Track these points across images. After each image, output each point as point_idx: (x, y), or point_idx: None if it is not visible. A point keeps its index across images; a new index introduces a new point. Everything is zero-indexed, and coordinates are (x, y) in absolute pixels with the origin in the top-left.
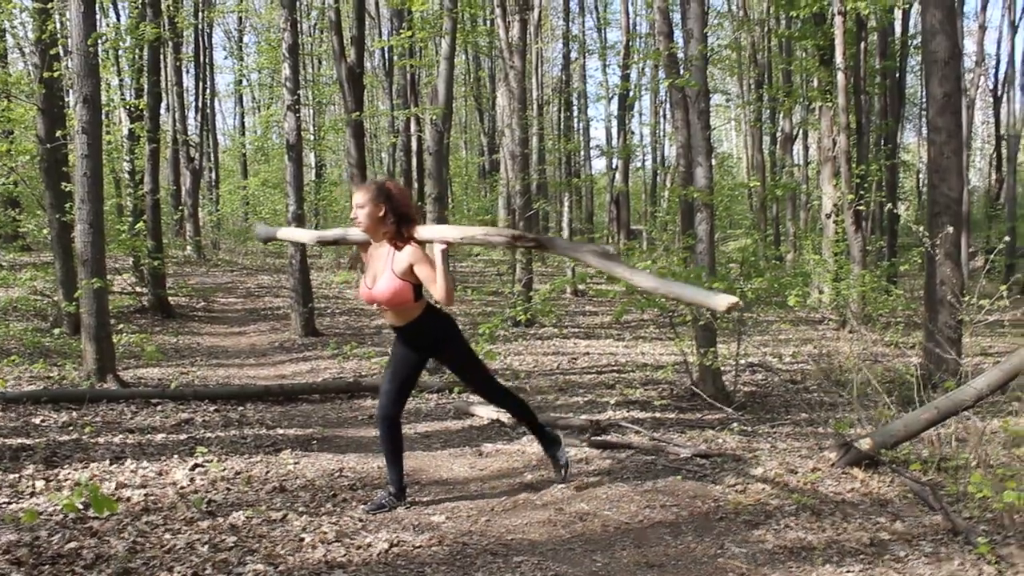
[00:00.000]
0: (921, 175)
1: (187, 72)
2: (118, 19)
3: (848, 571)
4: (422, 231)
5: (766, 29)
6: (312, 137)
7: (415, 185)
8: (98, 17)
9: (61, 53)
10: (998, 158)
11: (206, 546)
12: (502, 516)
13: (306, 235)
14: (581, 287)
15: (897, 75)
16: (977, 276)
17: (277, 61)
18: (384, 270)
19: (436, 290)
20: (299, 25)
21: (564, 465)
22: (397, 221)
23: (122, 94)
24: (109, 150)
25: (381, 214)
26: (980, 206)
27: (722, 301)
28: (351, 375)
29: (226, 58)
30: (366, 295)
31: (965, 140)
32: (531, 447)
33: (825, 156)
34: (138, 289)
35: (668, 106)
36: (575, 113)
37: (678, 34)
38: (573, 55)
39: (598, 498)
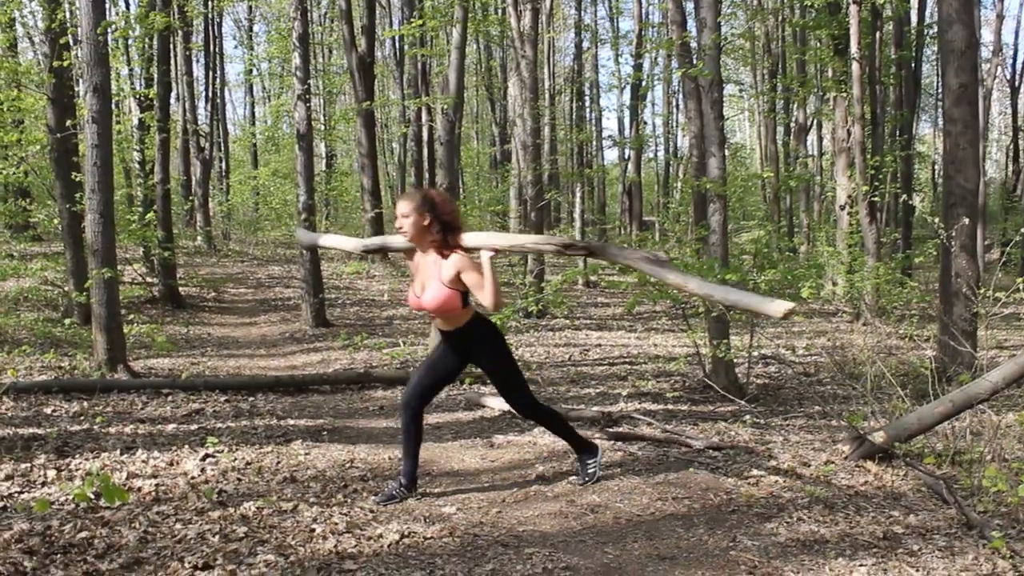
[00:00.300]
0: (937, 166)
1: (197, 62)
2: (128, 8)
3: (861, 565)
4: (468, 238)
5: (780, 18)
6: (322, 127)
7: (426, 175)
8: (108, 6)
9: (71, 42)
10: (1015, 149)
11: (217, 536)
12: (513, 508)
13: (350, 243)
14: (593, 278)
15: (913, 65)
16: (993, 269)
17: (287, 50)
18: (432, 279)
19: (484, 297)
20: (309, 14)
21: (591, 475)
22: (442, 230)
23: (132, 84)
24: (119, 140)
25: (426, 223)
26: (996, 198)
27: (779, 307)
28: (362, 366)
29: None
30: (415, 303)
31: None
32: (542, 439)
33: (839, 147)
34: (148, 279)
35: (681, 96)
36: (587, 103)
37: (691, 23)
38: (585, 44)
39: (610, 490)
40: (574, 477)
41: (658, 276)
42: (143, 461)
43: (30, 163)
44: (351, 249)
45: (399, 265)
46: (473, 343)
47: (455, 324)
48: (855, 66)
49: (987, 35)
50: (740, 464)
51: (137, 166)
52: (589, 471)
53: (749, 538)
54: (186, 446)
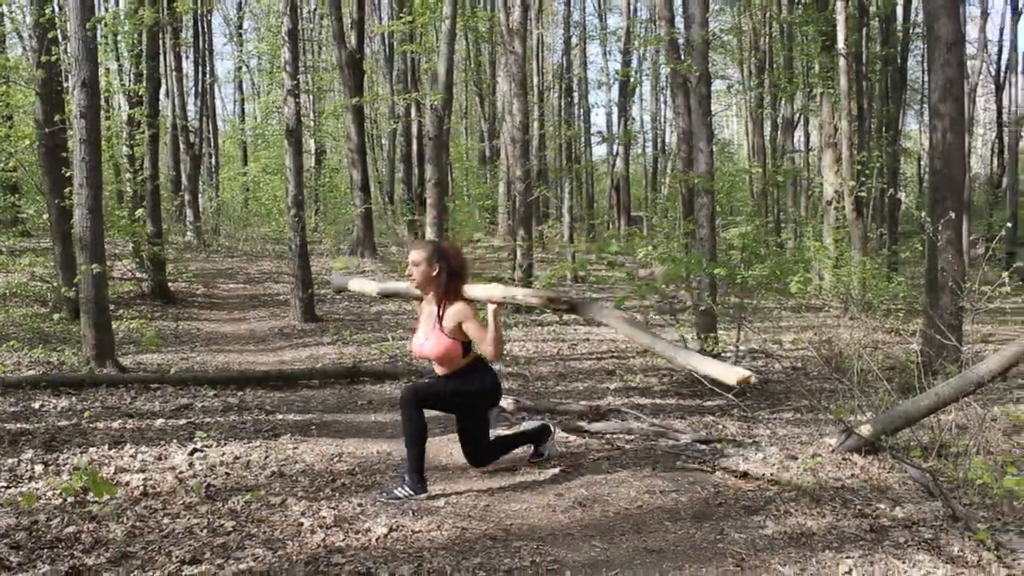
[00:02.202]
0: (923, 162)
1: (186, 58)
2: (117, 3)
3: (847, 557)
4: (470, 290)
5: (768, 14)
6: (312, 123)
7: (415, 170)
8: (96, 1)
9: (59, 37)
10: (1000, 145)
11: (205, 530)
12: (501, 501)
13: (372, 286)
14: (582, 273)
15: (899, 61)
16: (978, 263)
17: (276, 47)
18: (434, 328)
19: (486, 347)
20: (299, 10)
21: (541, 454)
22: (448, 281)
23: (121, 79)
24: (108, 135)
25: (435, 273)
26: (982, 193)
27: (735, 375)
28: (351, 360)
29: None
30: (419, 352)
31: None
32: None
33: (826, 142)
34: (138, 275)
35: (669, 92)
36: (576, 99)
37: (679, 20)
38: (574, 40)
39: (598, 483)
40: (548, 463)
41: (632, 336)
42: (131, 456)
43: (19, 158)
44: (370, 292)
45: (389, 262)
46: (464, 381)
47: (453, 369)
48: (842, 62)
49: (972, 32)
50: (728, 457)
51: (126, 162)
52: (543, 453)
53: (736, 531)
54: (174, 441)
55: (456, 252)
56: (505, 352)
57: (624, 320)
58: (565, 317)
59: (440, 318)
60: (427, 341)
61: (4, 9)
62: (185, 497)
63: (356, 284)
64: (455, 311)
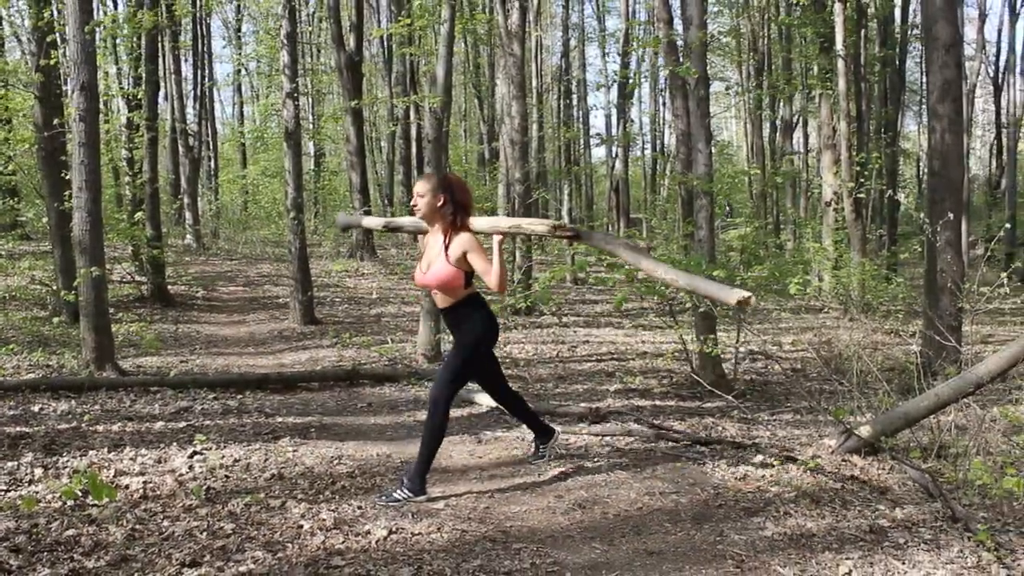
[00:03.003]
0: (921, 163)
1: (185, 61)
2: (116, 7)
3: (847, 558)
4: (476, 222)
5: (766, 16)
6: (311, 126)
7: (414, 173)
8: (95, 5)
9: (58, 41)
10: (998, 146)
11: (204, 533)
12: (501, 503)
13: (377, 221)
14: (581, 275)
15: (897, 62)
16: (977, 264)
17: (275, 50)
18: (438, 257)
19: (491, 279)
20: (297, 13)
21: (541, 455)
22: (454, 211)
23: (120, 83)
24: (107, 139)
25: (440, 204)
26: (980, 194)
27: (735, 295)
28: (350, 363)
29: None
30: (419, 280)
31: (965, 127)
32: (530, 435)
33: (825, 143)
34: (137, 278)
35: (668, 94)
36: (575, 101)
37: (678, 21)
38: (572, 43)
39: (597, 485)
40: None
41: (634, 262)
42: (131, 459)
43: (18, 162)
44: (376, 226)
45: (388, 263)
46: (463, 321)
47: (452, 301)
48: (840, 63)
49: (970, 33)
50: (727, 459)
51: (125, 165)
52: (541, 453)
53: (736, 532)
54: (174, 443)
55: (460, 183)
56: (505, 352)
57: (626, 246)
58: (565, 319)
59: (446, 247)
60: (430, 270)
61: (3, 12)
62: (185, 500)
63: (361, 221)
64: (461, 241)
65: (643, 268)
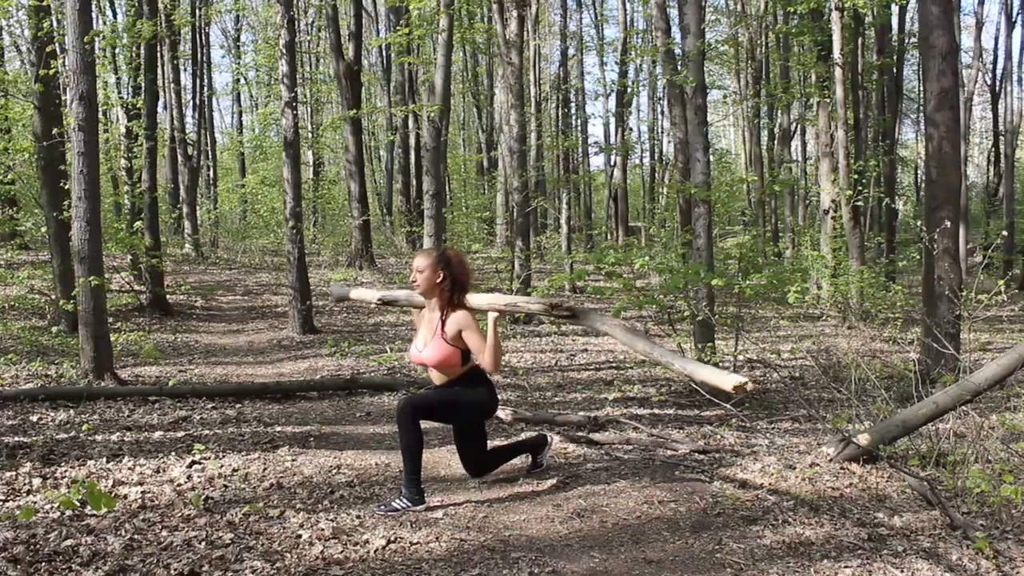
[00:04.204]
0: (919, 170)
1: (184, 70)
2: (115, 17)
3: (846, 566)
4: (473, 299)
5: (764, 24)
6: (310, 135)
7: (413, 181)
8: (94, 15)
9: (58, 51)
10: (996, 154)
11: (203, 543)
12: (500, 512)
13: (372, 294)
14: (579, 284)
15: (895, 71)
16: (975, 272)
17: (274, 59)
18: (434, 335)
19: (485, 359)
20: (296, 23)
21: (540, 464)
22: (452, 288)
23: (119, 92)
24: (107, 148)
25: (439, 280)
26: (978, 202)
27: (730, 381)
28: (349, 372)
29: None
30: (416, 358)
31: (963, 135)
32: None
33: (823, 151)
34: (136, 287)
35: (666, 102)
36: (573, 110)
37: (675, 30)
38: (571, 51)
39: (596, 494)
40: (553, 478)
41: (630, 344)
42: (129, 468)
43: (17, 171)
44: (371, 300)
45: (386, 272)
46: (461, 395)
47: (448, 379)
48: (838, 71)
49: (967, 41)
50: (726, 467)
51: (124, 174)
52: (540, 462)
53: (735, 541)
54: (173, 453)
55: (460, 260)
56: (504, 361)
57: (623, 328)
58: (563, 328)
59: (442, 324)
60: (426, 347)
61: (3, 23)
62: (183, 509)
63: (356, 293)
64: (457, 319)
65: (639, 351)
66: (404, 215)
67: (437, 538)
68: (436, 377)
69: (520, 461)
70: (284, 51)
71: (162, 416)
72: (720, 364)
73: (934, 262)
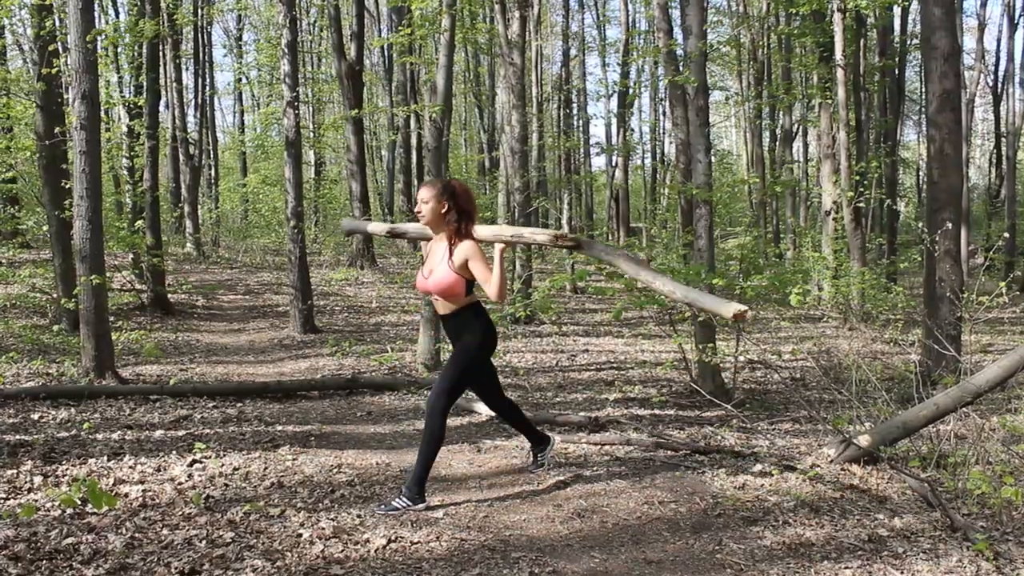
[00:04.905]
0: (921, 172)
1: (186, 69)
2: (117, 16)
3: (846, 567)
4: (479, 230)
5: (765, 26)
6: (311, 134)
7: (415, 182)
8: (97, 14)
9: (60, 50)
10: (998, 155)
11: (204, 542)
12: (500, 512)
13: (381, 227)
14: (581, 284)
15: (896, 72)
16: (977, 273)
17: (276, 58)
18: (440, 263)
19: (491, 288)
20: (298, 22)
21: (540, 463)
22: (458, 218)
23: (121, 91)
24: (108, 147)
25: (444, 210)
26: (980, 203)
27: (731, 308)
28: (350, 372)
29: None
30: (421, 285)
31: (965, 137)
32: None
33: (824, 152)
34: (137, 286)
35: (668, 103)
36: (575, 110)
37: (677, 31)
38: (572, 52)
39: (596, 494)
40: (553, 478)
41: (633, 273)
42: (130, 467)
43: (19, 170)
44: (380, 232)
45: (388, 272)
46: (463, 329)
47: (453, 308)
48: (840, 73)
49: (969, 43)
50: (726, 468)
51: (126, 173)
52: (540, 460)
53: (735, 541)
54: (174, 452)
55: (465, 190)
56: (505, 360)
57: (627, 258)
58: (564, 328)
59: (450, 253)
60: (432, 275)
61: (5, 22)
62: (184, 508)
63: (366, 227)
64: (464, 248)
65: (641, 279)
66: (405, 215)
67: (438, 538)
68: (441, 306)
69: (520, 461)
70: (286, 50)
71: (163, 415)
72: (721, 364)
73: (935, 264)
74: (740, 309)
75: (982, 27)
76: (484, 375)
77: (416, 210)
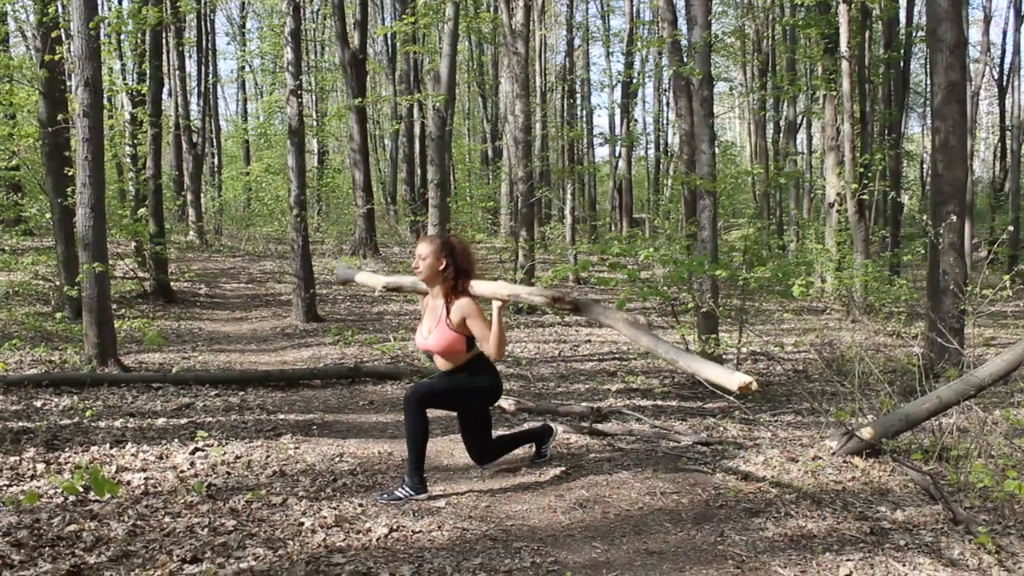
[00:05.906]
0: (925, 165)
1: (189, 57)
2: (120, 3)
3: (848, 560)
4: (477, 286)
5: (770, 17)
6: (315, 123)
7: (418, 171)
8: (100, 1)
9: (63, 37)
10: (1002, 149)
11: (206, 530)
12: (502, 502)
13: (377, 280)
14: (583, 275)
15: (901, 64)
16: (980, 266)
17: (279, 47)
18: (438, 322)
19: (489, 346)
20: (302, 10)
21: (543, 455)
22: (456, 275)
23: (124, 78)
24: (111, 135)
25: (442, 267)
26: (984, 196)
27: (735, 381)
28: (352, 361)
29: (229, 43)
30: (422, 345)
31: (969, 130)
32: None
33: (829, 144)
34: (140, 274)
35: (672, 94)
36: (578, 100)
37: (682, 21)
38: (576, 42)
39: (598, 485)
40: (555, 469)
41: (634, 338)
42: (133, 455)
43: (22, 157)
44: (375, 285)
45: (390, 261)
46: (468, 383)
47: (454, 366)
48: (844, 64)
49: (975, 35)
50: (728, 459)
51: (129, 161)
52: (543, 452)
53: (737, 533)
54: (176, 440)
55: (463, 247)
56: (507, 351)
57: (627, 321)
58: (567, 318)
59: (447, 311)
60: (431, 335)
61: (8, 8)
62: (186, 496)
63: (361, 277)
64: (461, 306)
65: (643, 344)
66: (408, 204)
67: (440, 527)
68: (441, 364)
69: (523, 451)
70: (289, 39)
71: (165, 403)
72: (724, 356)
73: (939, 256)
74: (745, 381)
75: (988, 19)
76: (474, 418)
77: (413, 265)
